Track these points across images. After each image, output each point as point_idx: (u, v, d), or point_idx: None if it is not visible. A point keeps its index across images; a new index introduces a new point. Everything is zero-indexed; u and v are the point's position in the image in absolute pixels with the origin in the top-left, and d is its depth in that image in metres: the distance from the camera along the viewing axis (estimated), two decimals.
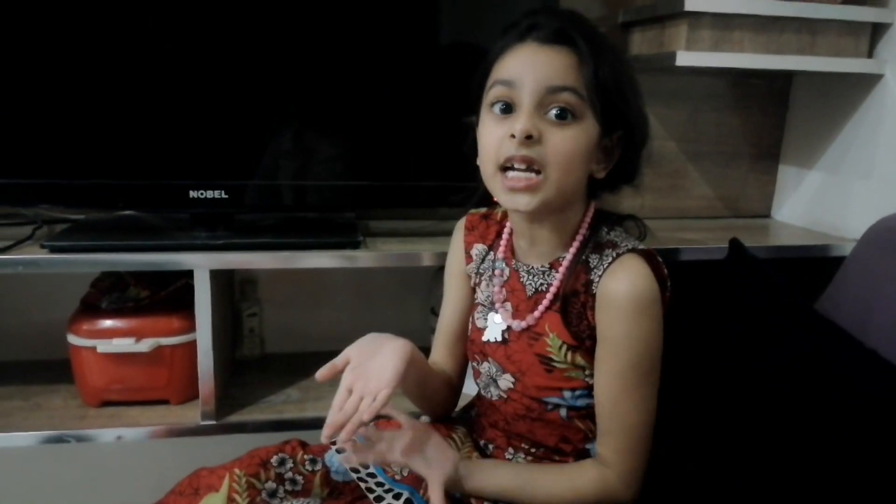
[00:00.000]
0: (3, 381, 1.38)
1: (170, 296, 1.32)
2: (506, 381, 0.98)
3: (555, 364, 0.93)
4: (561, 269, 0.94)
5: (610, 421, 0.90)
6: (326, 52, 1.23)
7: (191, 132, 1.23)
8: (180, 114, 1.22)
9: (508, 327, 0.98)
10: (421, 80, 1.27)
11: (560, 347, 0.92)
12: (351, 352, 0.91)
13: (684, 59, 1.28)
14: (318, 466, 0.97)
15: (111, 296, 1.30)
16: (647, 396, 0.90)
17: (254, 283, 1.53)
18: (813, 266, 1.32)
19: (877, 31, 1.38)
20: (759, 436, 0.99)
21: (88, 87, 1.18)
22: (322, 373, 0.89)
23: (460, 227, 1.10)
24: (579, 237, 0.94)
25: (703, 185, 1.64)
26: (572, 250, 0.94)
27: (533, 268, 0.97)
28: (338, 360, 0.90)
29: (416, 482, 0.88)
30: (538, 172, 0.86)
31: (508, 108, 0.87)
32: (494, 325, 0.99)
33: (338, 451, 0.95)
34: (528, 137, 0.84)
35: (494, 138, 0.87)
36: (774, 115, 1.64)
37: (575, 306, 0.92)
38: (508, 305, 0.98)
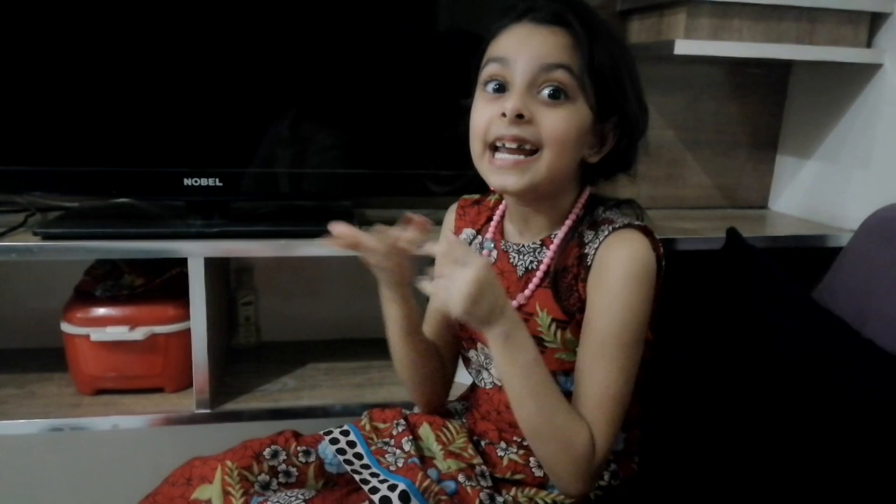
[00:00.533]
0: None
1: (164, 284, 1.31)
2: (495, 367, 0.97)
3: (546, 344, 0.91)
4: (552, 246, 0.93)
5: (583, 388, 0.86)
6: (323, 37, 1.21)
7: (186, 119, 1.22)
8: (175, 101, 1.21)
9: None
10: (419, 68, 1.26)
11: (549, 325, 0.91)
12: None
13: (683, 47, 1.27)
14: (312, 458, 0.96)
15: (105, 284, 1.29)
16: (624, 368, 0.86)
17: (249, 271, 1.53)
18: (810, 256, 1.32)
19: (876, 20, 1.37)
20: (756, 424, 0.99)
21: (82, 73, 1.17)
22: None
23: (452, 210, 1.09)
24: (572, 216, 0.93)
25: (700, 175, 1.64)
26: (565, 228, 0.93)
27: (524, 246, 0.96)
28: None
29: (412, 473, 0.88)
30: (531, 153, 0.85)
31: (501, 88, 0.87)
32: None
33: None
34: (519, 117, 0.83)
35: (485, 117, 0.87)
36: (773, 105, 1.63)
37: (566, 279, 0.90)
38: None
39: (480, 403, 1.02)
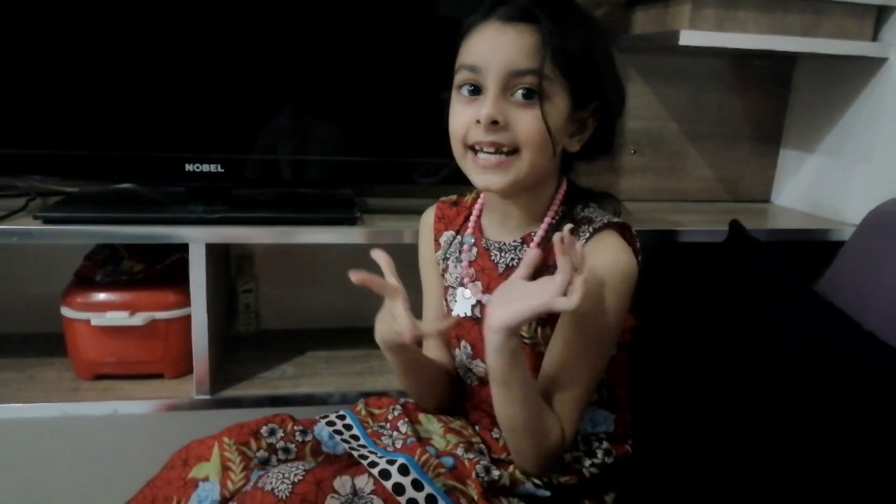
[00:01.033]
0: None
1: (165, 270, 1.31)
2: (479, 366, 0.98)
3: (525, 341, 0.92)
4: (532, 244, 0.93)
5: (559, 386, 0.89)
6: (326, 23, 1.21)
7: (187, 105, 1.22)
8: (178, 86, 1.20)
9: (479, 303, 0.97)
10: (421, 56, 1.25)
11: (530, 322, 0.92)
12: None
13: (687, 38, 1.27)
14: (309, 438, 0.97)
15: (105, 269, 1.29)
16: (598, 367, 0.90)
17: (250, 258, 1.53)
18: (812, 250, 1.32)
19: (882, 13, 1.36)
20: (757, 417, 0.99)
21: (84, 57, 1.16)
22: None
23: (430, 213, 1.09)
24: (551, 212, 0.94)
25: (703, 167, 1.64)
26: (544, 225, 0.93)
27: (505, 244, 0.96)
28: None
29: (410, 451, 0.88)
30: (509, 154, 0.86)
31: (476, 91, 0.87)
32: (463, 301, 0.98)
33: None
34: (494, 123, 0.84)
35: (462, 121, 0.88)
36: (777, 98, 1.63)
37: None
38: (479, 283, 0.98)
39: (472, 396, 1.04)
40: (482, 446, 0.97)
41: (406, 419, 0.99)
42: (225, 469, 0.89)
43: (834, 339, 0.99)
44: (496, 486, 0.88)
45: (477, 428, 1.01)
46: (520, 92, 0.85)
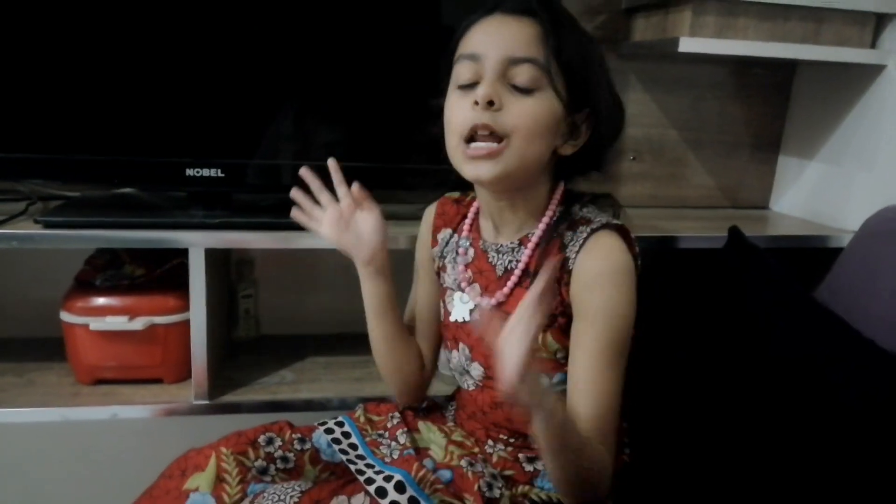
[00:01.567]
0: None
1: (165, 274, 1.31)
2: (476, 369, 0.98)
3: None
4: (529, 245, 0.93)
5: (590, 401, 0.86)
6: (326, 29, 1.21)
7: (189, 110, 1.22)
8: (178, 91, 1.20)
9: (477, 306, 0.97)
10: (421, 63, 1.26)
11: None
12: None
13: (687, 45, 1.27)
14: (307, 446, 0.97)
15: (105, 273, 1.29)
16: (621, 372, 0.89)
17: (250, 263, 1.53)
18: (811, 256, 1.32)
19: (881, 21, 1.37)
20: (756, 422, 0.99)
21: (85, 62, 1.17)
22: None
23: (432, 209, 1.10)
24: (549, 212, 0.94)
25: (702, 175, 1.64)
26: (542, 225, 0.94)
27: (502, 246, 0.96)
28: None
29: (407, 464, 0.88)
30: (500, 140, 0.86)
31: (473, 85, 0.88)
32: (461, 305, 0.99)
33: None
34: (490, 104, 0.85)
35: (459, 109, 0.88)
36: (776, 106, 1.63)
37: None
38: (477, 286, 0.98)
39: (466, 405, 1.03)
40: (483, 458, 0.95)
41: (405, 428, 0.99)
42: (220, 481, 0.88)
43: (832, 346, 0.99)
44: (497, 501, 0.88)
45: (471, 440, 1.00)
46: (516, 79, 0.86)
